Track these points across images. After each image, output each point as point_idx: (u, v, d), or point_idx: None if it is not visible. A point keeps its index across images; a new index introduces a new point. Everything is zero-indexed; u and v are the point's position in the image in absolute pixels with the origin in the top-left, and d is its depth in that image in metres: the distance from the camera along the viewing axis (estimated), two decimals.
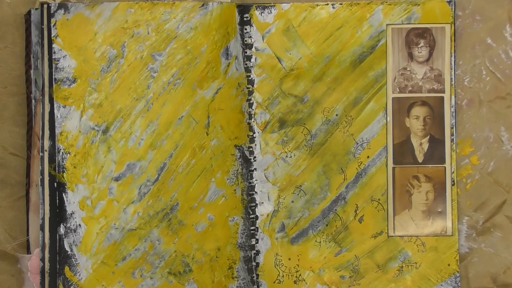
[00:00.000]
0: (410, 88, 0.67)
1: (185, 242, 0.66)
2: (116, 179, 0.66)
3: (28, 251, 0.66)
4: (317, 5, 0.67)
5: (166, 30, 0.66)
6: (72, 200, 0.65)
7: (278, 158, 0.67)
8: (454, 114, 0.67)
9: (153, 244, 0.66)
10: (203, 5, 0.66)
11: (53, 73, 0.65)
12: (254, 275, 0.67)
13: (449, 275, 0.66)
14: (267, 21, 0.67)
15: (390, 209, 0.67)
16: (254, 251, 0.67)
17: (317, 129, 0.67)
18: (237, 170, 0.66)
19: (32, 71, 0.67)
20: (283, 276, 0.67)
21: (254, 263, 0.67)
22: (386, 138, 0.67)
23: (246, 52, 0.67)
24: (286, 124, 0.67)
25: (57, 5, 0.65)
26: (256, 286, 0.66)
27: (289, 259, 0.67)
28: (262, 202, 0.67)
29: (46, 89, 0.65)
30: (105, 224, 0.66)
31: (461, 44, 0.67)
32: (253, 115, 0.67)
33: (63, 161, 0.65)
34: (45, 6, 0.65)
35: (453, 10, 0.66)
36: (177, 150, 0.66)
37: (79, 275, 0.65)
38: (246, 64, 0.67)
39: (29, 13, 0.66)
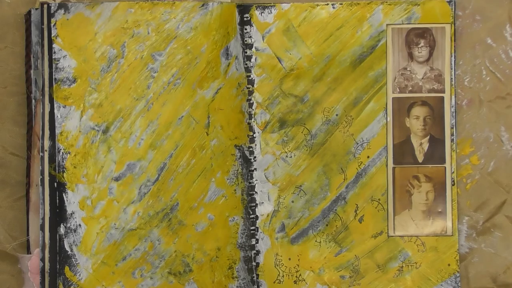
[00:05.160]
0: (410, 88, 0.67)
1: (185, 242, 0.66)
2: (116, 179, 0.66)
3: (28, 251, 0.66)
4: (317, 5, 0.67)
5: (166, 30, 0.66)
6: (72, 200, 0.65)
7: (278, 158, 0.67)
8: (454, 114, 0.67)
9: (153, 244, 0.66)
10: (203, 5, 0.66)
11: (53, 73, 0.65)
12: (254, 275, 0.67)
13: (449, 275, 0.66)
14: (267, 21, 0.67)
15: (390, 209, 0.67)
16: (254, 251, 0.67)
17: (317, 129, 0.67)
18: (237, 170, 0.66)
19: (32, 71, 0.67)
20: (283, 276, 0.67)
21: (254, 263, 0.67)
22: (386, 138, 0.67)
23: (246, 52, 0.67)
24: (286, 124, 0.67)
25: (57, 5, 0.65)
26: (256, 286, 0.66)
27: (289, 259, 0.67)
28: (262, 202, 0.67)
29: (46, 89, 0.65)
30: (105, 224, 0.66)
31: (461, 44, 0.67)
32: (253, 115, 0.67)
33: (63, 161, 0.65)
34: (45, 6, 0.65)
35: (453, 10, 0.66)
36: (177, 150, 0.66)
37: (79, 275, 0.65)
38: (246, 64, 0.67)
39: (29, 13, 0.66)
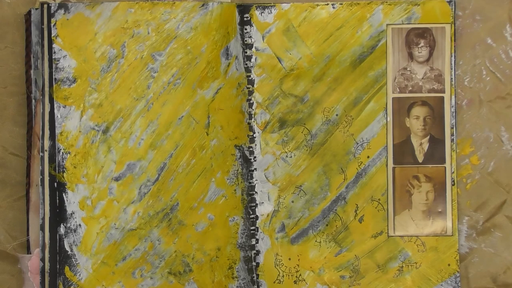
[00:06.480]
0: (410, 88, 0.67)
1: (185, 242, 0.66)
2: (116, 179, 0.66)
3: (28, 251, 0.66)
4: (317, 5, 0.67)
5: (166, 30, 0.66)
6: (72, 200, 0.65)
7: (278, 158, 0.67)
8: (454, 114, 0.67)
9: (153, 244, 0.66)
10: (203, 5, 0.66)
11: (53, 73, 0.65)
12: (254, 275, 0.67)
13: (449, 275, 0.66)
14: (267, 21, 0.67)
15: (390, 209, 0.67)
16: (254, 251, 0.67)
17: (317, 129, 0.67)
18: (237, 170, 0.66)
19: (32, 71, 0.67)
20: (283, 276, 0.67)
21: (254, 263, 0.67)
22: (386, 138, 0.67)
23: (246, 52, 0.67)
24: (286, 124, 0.67)
25: (57, 5, 0.65)
26: (256, 286, 0.66)
27: (289, 259, 0.67)
28: (262, 202, 0.67)
29: (46, 89, 0.65)
30: (105, 224, 0.66)
31: (461, 44, 0.67)
32: (253, 115, 0.67)
33: (63, 161, 0.65)
34: (45, 6, 0.65)
35: (453, 10, 0.66)
36: (177, 150, 0.66)
37: (79, 275, 0.65)
38: (246, 64, 0.67)
39: (29, 13, 0.66)
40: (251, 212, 0.67)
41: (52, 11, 0.65)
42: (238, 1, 0.67)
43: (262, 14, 0.67)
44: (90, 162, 0.66)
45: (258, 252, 0.67)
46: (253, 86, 0.67)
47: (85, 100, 0.66)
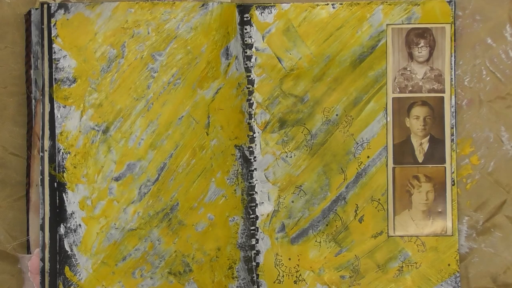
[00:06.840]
0: (410, 88, 0.67)
1: (185, 242, 0.66)
2: (116, 179, 0.66)
3: (28, 251, 0.66)
4: (317, 5, 0.67)
5: (166, 30, 0.66)
6: (72, 200, 0.65)
7: (278, 158, 0.67)
8: (454, 114, 0.67)
9: (153, 244, 0.66)
10: (203, 5, 0.66)
11: (53, 73, 0.65)
12: (254, 275, 0.67)
13: (449, 275, 0.66)
14: (267, 21, 0.67)
15: (390, 209, 0.67)
16: (254, 251, 0.67)
17: (317, 129, 0.67)
18: (237, 170, 0.66)
19: (32, 71, 0.67)
20: (283, 276, 0.67)
21: (254, 263, 0.67)
22: (386, 138, 0.67)
23: (246, 52, 0.67)
24: (286, 124, 0.67)
25: (57, 5, 0.65)
26: (256, 286, 0.66)
27: (289, 259, 0.67)
28: (262, 202, 0.67)
29: (46, 89, 0.65)
30: (105, 224, 0.66)
31: (461, 44, 0.67)
32: (253, 115, 0.67)
33: (63, 161, 0.65)
34: (45, 6, 0.65)
35: (453, 10, 0.66)
36: (177, 150, 0.66)
37: (79, 275, 0.65)
38: (246, 64, 0.67)
39: (29, 13, 0.66)
40: (251, 212, 0.67)
41: (52, 11, 0.65)
42: (238, 1, 0.67)
43: (262, 14, 0.67)
44: (90, 162, 0.66)
45: (258, 252, 0.67)
46: (253, 86, 0.67)
47: (85, 100, 0.66)
